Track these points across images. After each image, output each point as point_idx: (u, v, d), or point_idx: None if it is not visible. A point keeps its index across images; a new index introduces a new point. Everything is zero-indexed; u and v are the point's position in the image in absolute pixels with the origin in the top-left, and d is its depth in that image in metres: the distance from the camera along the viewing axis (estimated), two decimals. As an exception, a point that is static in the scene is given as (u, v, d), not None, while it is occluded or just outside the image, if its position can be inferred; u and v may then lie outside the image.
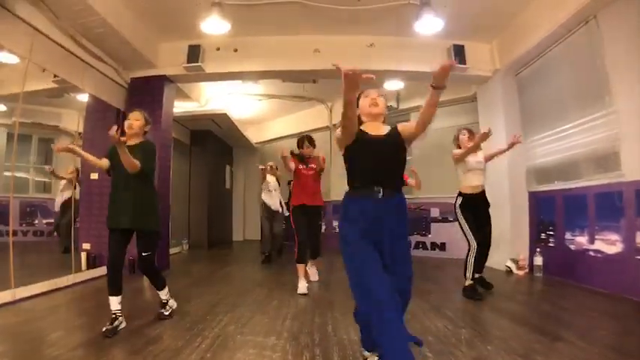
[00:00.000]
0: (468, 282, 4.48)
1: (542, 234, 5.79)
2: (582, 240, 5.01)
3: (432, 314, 3.68)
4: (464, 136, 4.76)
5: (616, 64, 4.54)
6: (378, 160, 2.42)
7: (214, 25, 5.41)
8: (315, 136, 5.35)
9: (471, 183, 4.62)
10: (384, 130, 2.52)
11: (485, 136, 4.35)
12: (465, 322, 3.47)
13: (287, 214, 7.14)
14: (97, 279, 5.40)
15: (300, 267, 4.91)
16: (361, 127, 2.49)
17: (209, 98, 8.88)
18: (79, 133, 6.10)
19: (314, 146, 5.20)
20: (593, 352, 2.72)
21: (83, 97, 5.91)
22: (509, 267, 5.94)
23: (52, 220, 6.35)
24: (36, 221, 6.22)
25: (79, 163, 6.13)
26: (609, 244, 4.59)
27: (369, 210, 2.35)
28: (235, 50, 6.41)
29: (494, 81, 6.57)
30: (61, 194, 6.25)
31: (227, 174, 11.86)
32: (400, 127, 2.51)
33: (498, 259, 5.97)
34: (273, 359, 2.63)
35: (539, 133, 5.92)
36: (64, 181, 6.27)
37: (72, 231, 5.53)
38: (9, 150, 5.27)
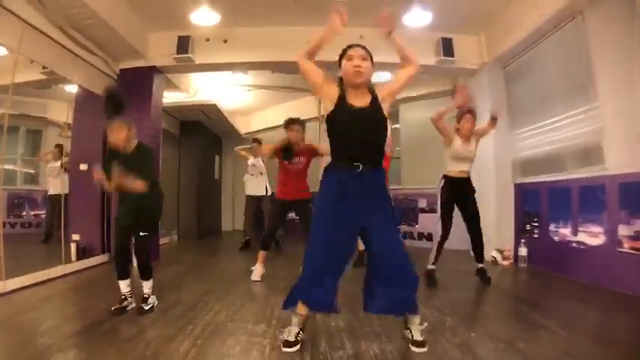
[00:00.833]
0: (429, 267, 4.58)
1: (527, 225, 5.89)
2: (566, 232, 5.11)
3: (419, 302, 3.76)
4: (467, 123, 4.55)
5: (601, 60, 4.62)
6: (357, 134, 2.43)
7: (204, 16, 5.42)
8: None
9: (456, 168, 4.60)
10: (367, 99, 2.51)
11: (494, 124, 4.51)
12: (451, 310, 3.55)
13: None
14: (88, 269, 5.42)
15: (262, 253, 4.87)
16: (345, 95, 2.51)
17: (198, 89, 8.84)
18: (68, 124, 6.07)
19: (304, 130, 4.86)
20: (574, 340, 2.81)
21: (71, 88, 5.86)
22: (494, 257, 6.04)
23: (40, 212, 6.31)
24: (24, 213, 6.19)
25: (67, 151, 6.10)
26: (592, 236, 4.69)
27: (345, 184, 2.40)
28: (225, 41, 6.41)
29: (482, 74, 6.64)
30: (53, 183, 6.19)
31: (216, 164, 11.84)
32: (380, 93, 2.53)
33: (484, 249, 6.07)
34: (264, 345, 2.69)
35: (526, 126, 6.01)
36: (54, 166, 6.19)
37: (61, 221, 5.53)
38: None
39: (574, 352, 2.55)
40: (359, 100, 2.50)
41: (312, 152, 4.87)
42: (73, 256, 5.58)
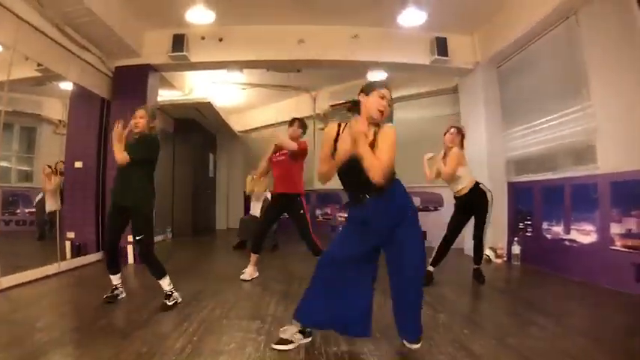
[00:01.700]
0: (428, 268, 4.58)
1: (520, 223, 5.95)
2: (559, 230, 5.17)
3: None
4: (450, 135, 4.62)
5: (594, 60, 4.68)
6: (347, 174, 2.63)
7: (199, 15, 5.42)
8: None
9: (453, 189, 4.67)
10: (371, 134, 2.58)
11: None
12: (444, 307, 3.59)
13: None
14: (83, 267, 5.42)
15: (254, 256, 4.82)
16: (337, 137, 2.65)
17: (193, 87, 8.84)
18: (61, 121, 6.06)
19: (304, 131, 4.83)
20: (566, 336, 2.87)
21: (65, 86, 5.85)
22: (487, 255, 6.06)
23: (34, 210, 6.30)
24: (18, 210, 6.18)
25: (62, 155, 6.10)
26: (584, 234, 4.75)
27: (359, 215, 2.60)
28: (220, 40, 6.41)
29: (476, 73, 6.68)
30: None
31: (210, 162, 11.83)
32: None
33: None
34: (259, 342, 2.72)
35: (519, 125, 6.05)
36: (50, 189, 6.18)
37: (57, 219, 5.53)
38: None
39: (566, 348, 2.59)
40: (346, 142, 2.58)
41: (300, 144, 4.69)
42: (68, 254, 5.59)
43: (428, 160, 4.71)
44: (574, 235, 4.91)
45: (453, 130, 4.64)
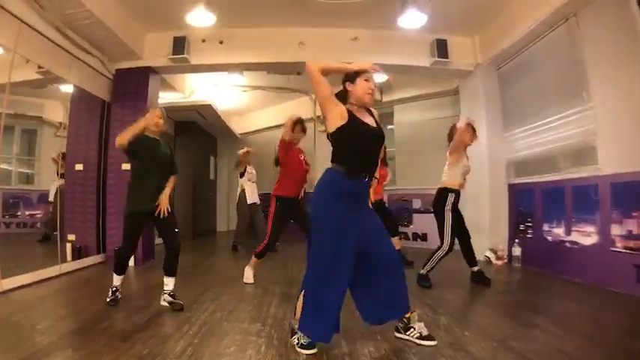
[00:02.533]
0: (425, 271, 4.55)
1: (521, 225, 5.94)
2: (559, 231, 5.16)
3: (413, 301, 3.78)
4: (475, 137, 4.61)
5: (594, 62, 4.67)
6: (368, 150, 2.67)
7: (200, 17, 5.42)
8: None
9: (461, 180, 4.59)
10: (370, 119, 2.71)
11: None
12: (444, 309, 3.59)
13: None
14: (84, 269, 5.42)
15: (255, 260, 4.71)
16: (352, 111, 2.66)
17: (193, 89, 8.85)
18: (61, 124, 6.07)
19: (304, 133, 4.68)
20: (567, 338, 2.85)
21: (66, 88, 5.85)
22: (488, 257, 6.08)
23: (35, 212, 6.30)
24: (19, 213, 6.18)
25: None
26: (585, 235, 4.74)
27: (354, 189, 2.64)
28: (221, 42, 6.42)
29: (476, 75, 6.69)
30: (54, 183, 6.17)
31: (211, 165, 11.84)
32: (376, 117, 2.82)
33: (478, 249, 6.11)
34: (259, 344, 2.72)
35: (519, 126, 6.05)
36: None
37: (57, 221, 5.53)
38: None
39: (567, 350, 2.58)
40: (366, 119, 2.71)
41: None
42: (69, 256, 5.59)
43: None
44: (575, 236, 4.90)
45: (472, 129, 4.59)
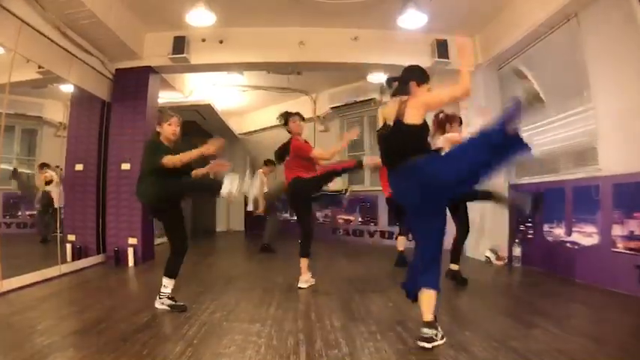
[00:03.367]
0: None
1: (522, 225, 5.92)
2: (560, 232, 5.14)
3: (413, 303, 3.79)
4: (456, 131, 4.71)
5: (595, 62, 4.66)
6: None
7: (200, 17, 5.42)
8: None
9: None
10: None
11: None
12: (445, 309, 3.57)
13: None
14: (84, 270, 5.42)
15: (305, 261, 4.53)
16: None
17: (193, 89, 8.85)
18: (61, 124, 6.06)
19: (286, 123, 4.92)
20: (568, 339, 2.85)
21: (66, 88, 5.85)
22: (488, 257, 6.06)
23: (35, 213, 6.30)
24: (19, 213, 6.19)
25: (62, 156, 6.10)
26: (586, 236, 4.72)
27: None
28: (221, 42, 6.40)
29: (477, 75, 6.65)
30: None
31: (210, 164, 11.82)
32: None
33: (478, 249, 6.12)
34: (259, 344, 2.71)
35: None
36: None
37: (57, 221, 5.53)
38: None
39: (568, 351, 2.57)
40: None
41: None
42: (69, 257, 5.58)
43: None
44: (576, 237, 4.89)
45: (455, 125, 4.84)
